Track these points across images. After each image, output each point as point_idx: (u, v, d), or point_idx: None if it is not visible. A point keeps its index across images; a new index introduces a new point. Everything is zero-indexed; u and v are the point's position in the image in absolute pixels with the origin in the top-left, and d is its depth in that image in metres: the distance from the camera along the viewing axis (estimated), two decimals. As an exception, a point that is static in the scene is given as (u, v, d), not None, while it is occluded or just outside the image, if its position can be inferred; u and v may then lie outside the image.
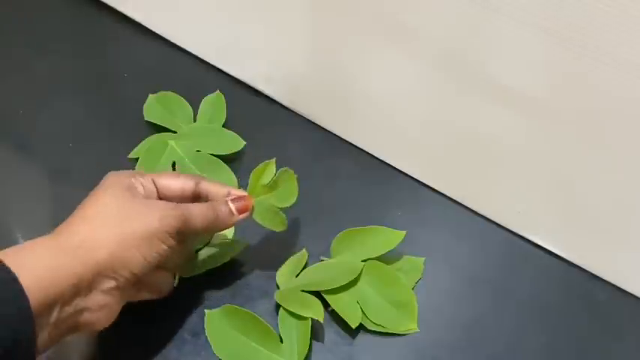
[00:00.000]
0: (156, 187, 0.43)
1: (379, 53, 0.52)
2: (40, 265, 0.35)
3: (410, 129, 0.55)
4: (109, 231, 0.38)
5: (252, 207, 0.45)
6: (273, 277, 0.49)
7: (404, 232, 0.49)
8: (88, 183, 0.42)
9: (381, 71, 0.53)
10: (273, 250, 0.50)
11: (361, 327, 0.46)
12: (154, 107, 0.58)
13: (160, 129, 0.57)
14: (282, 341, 0.44)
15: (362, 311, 0.46)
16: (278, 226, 0.46)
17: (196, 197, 0.45)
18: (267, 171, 0.47)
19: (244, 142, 0.56)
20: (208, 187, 0.45)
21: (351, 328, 0.45)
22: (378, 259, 0.48)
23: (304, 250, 0.50)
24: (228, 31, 0.61)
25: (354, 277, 0.47)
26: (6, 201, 0.54)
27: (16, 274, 0.33)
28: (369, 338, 0.46)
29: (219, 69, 0.63)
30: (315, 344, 0.46)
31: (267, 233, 0.51)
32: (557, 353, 0.47)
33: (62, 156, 0.56)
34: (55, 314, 0.35)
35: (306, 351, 0.44)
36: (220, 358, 0.44)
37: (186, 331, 0.46)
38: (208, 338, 0.45)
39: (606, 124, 0.44)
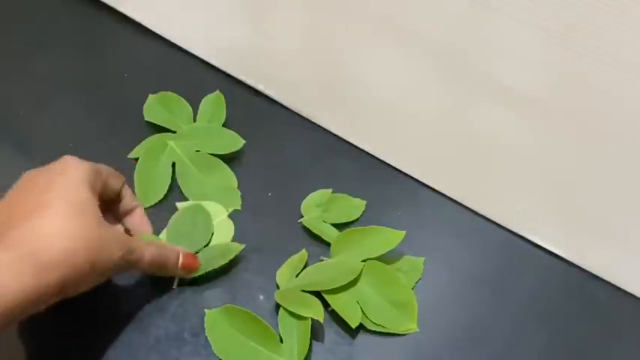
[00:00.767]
0: (102, 188, 0.43)
1: (379, 53, 0.52)
2: (9, 282, 0.34)
3: (410, 129, 0.55)
4: (86, 257, 0.37)
5: (197, 268, 0.47)
6: (273, 277, 0.49)
7: (404, 232, 0.49)
8: (88, 183, 0.42)
9: (381, 71, 0.53)
10: (273, 250, 0.50)
11: (361, 327, 0.46)
12: (154, 107, 0.58)
13: (160, 129, 0.57)
14: (282, 341, 0.44)
15: (362, 311, 0.46)
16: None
17: (118, 199, 0.46)
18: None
19: (244, 141, 0.56)
20: (126, 190, 0.47)
21: (351, 328, 0.45)
22: (378, 259, 0.48)
23: (304, 250, 0.50)
24: (228, 31, 0.61)
25: (354, 277, 0.47)
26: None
27: None
28: (369, 338, 0.46)
29: (219, 69, 0.63)
30: (315, 344, 0.46)
31: (266, 233, 0.51)
32: (557, 353, 0.47)
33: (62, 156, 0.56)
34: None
35: (306, 351, 0.44)
36: (220, 358, 0.44)
37: (186, 331, 0.46)
38: (208, 338, 0.45)
39: (606, 124, 0.44)
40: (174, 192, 0.53)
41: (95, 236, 0.38)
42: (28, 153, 0.56)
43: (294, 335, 0.44)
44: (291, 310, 0.45)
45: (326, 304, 0.46)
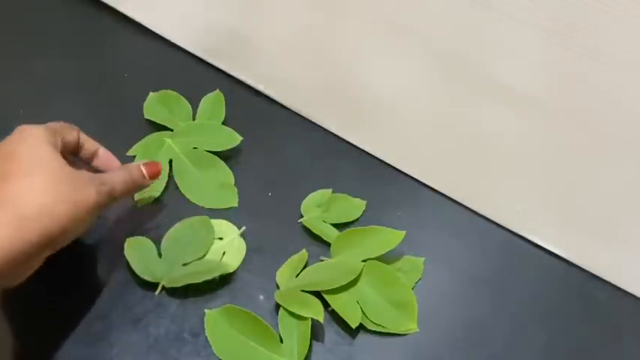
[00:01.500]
0: (62, 143, 0.43)
1: (379, 53, 0.52)
2: (3, 241, 0.35)
3: (410, 129, 0.55)
4: (62, 205, 0.38)
5: (161, 172, 0.49)
6: (273, 277, 0.49)
7: (404, 232, 0.49)
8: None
9: (381, 71, 0.53)
10: (273, 250, 0.50)
11: (361, 327, 0.46)
12: (154, 105, 0.58)
13: (159, 127, 0.57)
14: (282, 341, 0.44)
15: (362, 311, 0.46)
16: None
17: (77, 148, 0.46)
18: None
19: (241, 138, 0.56)
20: (84, 137, 0.47)
21: (351, 328, 0.45)
22: (378, 259, 0.48)
23: (304, 250, 0.50)
24: (228, 31, 0.61)
25: (354, 277, 0.47)
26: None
27: None
28: (369, 338, 0.46)
29: (220, 69, 0.63)
30: (315, 344, 0.46)
31: (266, 233, 0.51)
32: (556, 353, 0.47)
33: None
34: None
35: (306, 351, 0.44)
36: (220, 358, 0.44)
37: (186, 331, 0.46)
38: (208, 338, 0.45)
39: (606, 124, 0.44)
40: (171, 189, 0.53)
41: (68, 187, 0.39)
42: (28, 153, 0.56)
43: (294, 335, 0.44)
44: (291, 310, 0.45)
45: (326, 304, 0.46)
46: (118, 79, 0.62)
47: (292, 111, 0.60)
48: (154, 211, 0.52)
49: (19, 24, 0.67)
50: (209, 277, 0.47)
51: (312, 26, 0.55)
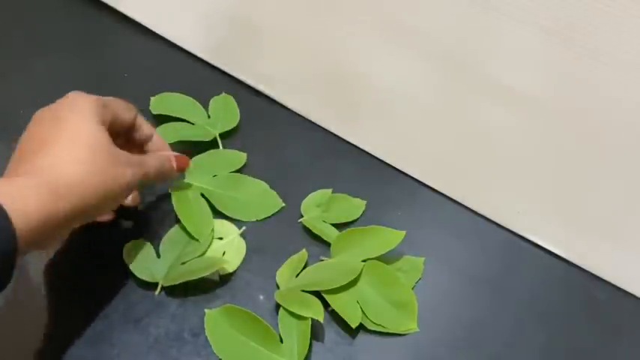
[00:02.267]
0: (111, 120, 0.44)
1: (379, 53, 0.52)
2: (31, 207, 0.35)
3: (410, 129, 0.55)
4: (102, 180, 0.39)
5: (189, 166, 0.50)
6: (273, 277, 0.49)
7: (404, 232, 0.49)
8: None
9: (381, 71, 0.53)
10: (273, 250, 0.50)
11: (361, 327, 0.46)
12: (164, 102, 0.59)
13: (165, 120, 0.57)
14: (282, 341, 0.44)
15: (362, 311, 0.46)
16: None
17: (132, 129, 0.47)
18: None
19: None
20: (141, 120, 0.48)
21: (351, 328, 0.45)
22: (378, 259, 0.48)
23: (304, 250, 0.50)
24: (228, 31, 0.61)
25: (354, 277, 0.47)
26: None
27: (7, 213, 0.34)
28: (369, 338, 0.46)
29: (220, 69, 0.63)
30: (315, 344, 0.46)
31: (266, 233, 0.51)
32: (556, 353, 0.47)
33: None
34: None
35: (306, 351, 0.44)
36: (220, 358, 0.44)
37: (186, 331, 0.46)
38: (208, 338, 0.44)
39: (606, 124, 0.44)
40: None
41: (105, 163, 0.40)
42: (28, 153, 0.56)
43: (294, 335, 0.44)
44: (291, 310, 0.45)
45: (326, 304, 0.46)
46: (118, 79, 0.62)
47: (292, 111, 0.60)
48: (155, 213, 0.52)
49: (19, 24, 0.67)
50: (207, 272, 0.46)
51: (312, 26, 0.55)
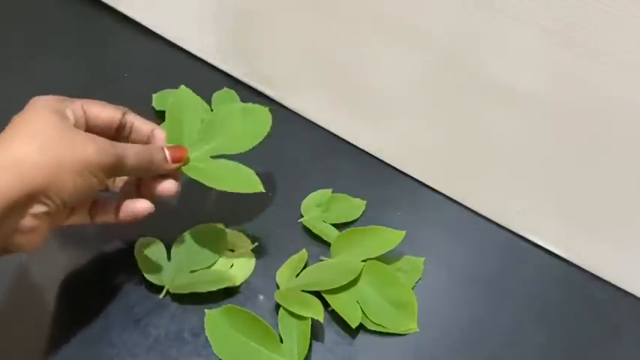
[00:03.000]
0: (85, 116, 0.43)
1: (379, 53, 0.52)
2: None
3: (410, 129, 0.55)
4: (46, 155, 0.38)
5: (187, 158, 0.46)
6: (273, 277, 0.49)
7: (404, 232, 0.49)
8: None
9: (381, 71, 0.53)
10: (273, 250, 0.50)
11: (361, 327, 0.46)
12: (167, 98, 0.59)
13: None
14: (282, 341, 0.44)
15: (362, 311, 0.46)
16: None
17: (121, 129, 0.45)
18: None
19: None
20: (134, 118, 0.46)
21: (351, 328, 0.45)
22: (378, 259, 0.48)
23: (304, 250, 0.50)
24: (228, 31, 0.61)
25: (354, 277, 0.47)
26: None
27: None
28: (369, 338, 0.46)
29: (220, 69, 0.63)
30: (315, 344, 0.46)
31: (266, 233, 0.51)
32: (556, 353, 0.47)
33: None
34: None
35: (306, 351, 0.44)
36: (220, 358, 0.44)
37: (186, 331, 0.46)
38: (208, 338, 0.44)
39: (606, 123, 0.44)
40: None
41: (56, 137, 0.39)
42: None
43: (294, 335, 0.44)
44: (291, 310, 0.45)
45: (326, 304, 0.46)
46: (118, 79, 0.63)
47: (292, 111, 0.60)
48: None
49: (19, 24, 0.67)
50: (214, 288, 0.46)
51: (312, 26, 0.55)
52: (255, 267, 0.49)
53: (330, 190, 0.54)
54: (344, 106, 0.58)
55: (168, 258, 0.48)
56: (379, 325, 0.46)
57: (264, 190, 0.47)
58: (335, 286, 0.46)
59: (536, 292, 0.50)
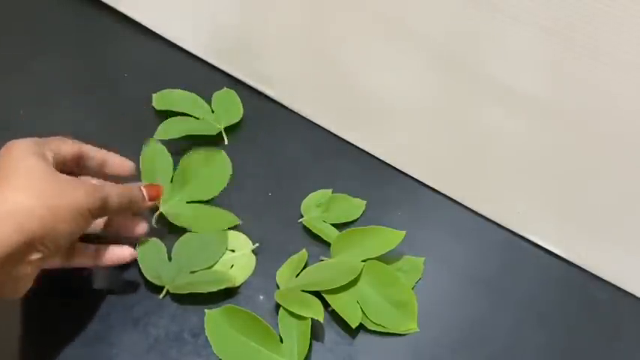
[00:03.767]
0: (56, 154, 0.43)
1: (379, 53, 0.52)
2: None
3: (410, 129, 0.55)
4: (42, 202, 0.38)
5: (161, 193, 0.49)
6: (273, 277, 0.49)
7: (404, 232, 0.49)
8: (88, 183, 0.42)
9: (381, 71, 0.53)
10: (273, 250, 0.50)
11: (361, 327, 0.46)
12: (167, 98, 0.59)
13: (170, 115, 0.57)
14: (282, 341, 0.44)
15: (362, 311, 0.46)
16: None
17: (82, 160, 0.46)
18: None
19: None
20: (88, 148, 0.46)
21: (351, 328, 0.45)
22: (378, 259, 0.48)
23: (304, 250, 0.50)
24: (228, 30, 0.61)
25: (354, 277, 0.47)
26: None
27: None
28: (369, 338, 0.46)
29: (220, 69, 0.63)
30: (315, 344, 0.46)
31: (266, 233, 0.51)
32: (556, 353, 0.47)
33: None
34: None
35: (306, 351, 0.44)
36: (220, 358, 0.44)
37: (186, 331, 0.46)
38: (208, 338, 0.45)
39: (606, 124, 0.44)
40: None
41: (51, 187, 0.39)
42: (28, 153, 0.56)
43: (294, 335, 0.44)
44: (291, 310, 0.45)
45: (326, 304, 0.46)
46: (118, 79, 0.63)
47: (292, 111, 0.60)
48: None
49: (19, 24, 0.67)
50: (214, 288, 0.46)
51: (312, 26, 0.55)
52: (255, 267, 0.49)
53: (330, 190, 0.54)
54: (344, 106, 0.58)
55: (169, 258, 0.48)
56: (379, 325, 0.46)
57: (239, 223, 0.51)
58: (335, 286, 0.46)
59: (536, 292, 0.50)
